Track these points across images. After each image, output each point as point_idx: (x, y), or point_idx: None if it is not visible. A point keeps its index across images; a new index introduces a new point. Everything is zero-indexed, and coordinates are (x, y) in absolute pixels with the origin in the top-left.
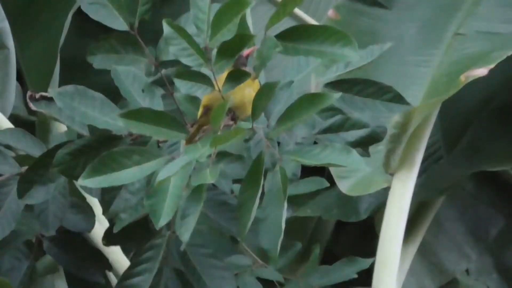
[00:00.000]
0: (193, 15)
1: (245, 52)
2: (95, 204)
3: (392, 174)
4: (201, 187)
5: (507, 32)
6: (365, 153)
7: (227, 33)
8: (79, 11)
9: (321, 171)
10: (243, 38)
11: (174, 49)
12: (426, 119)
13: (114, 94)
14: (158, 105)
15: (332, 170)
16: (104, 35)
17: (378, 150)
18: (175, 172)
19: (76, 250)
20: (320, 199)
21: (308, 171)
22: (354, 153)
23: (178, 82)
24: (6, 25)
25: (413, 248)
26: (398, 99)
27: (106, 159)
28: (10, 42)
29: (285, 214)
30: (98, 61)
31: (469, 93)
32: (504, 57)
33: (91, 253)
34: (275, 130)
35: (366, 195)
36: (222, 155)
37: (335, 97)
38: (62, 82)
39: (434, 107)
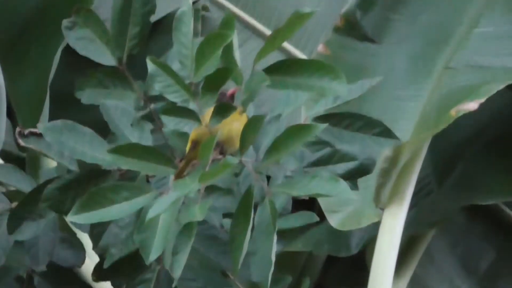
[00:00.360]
0: (177, 51)
1: (230, 91)
2: (85, 239)
3: (382, 209)
4: (192, 224)
5: (497, 65)
6: (354, 187)
7: (210, 67)
8: (69, 46)
9: (312, 205)
10: (225, 71)
11: (159, 86)
12: (416, 153)
13: (104, 129)
14: (147, 139)
15: (323, 204)
16: (91, 70)
17: (369, 184)
18: (164, 209)
19: (67, 285)
20: (311, 233)
21: (298, 206)
22: (342, 183)
23: (165, 119)
24: None
25: (404, 281)
26: (387, 133)
27: (94, 195)
28: (0, 78)
29: (275, 247)
30: (86, 96)
31: (459, 127)
32: (495, 91)
33: None
34: (263, 162)
35: (356, 229)
36: (211, 190)
37: (320, 128)
38: (52, 117)
39: (424, 141)
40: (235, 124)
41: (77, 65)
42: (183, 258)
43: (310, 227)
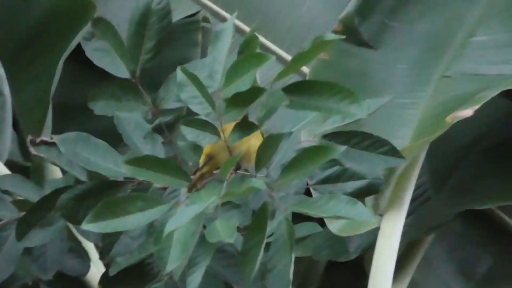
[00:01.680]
0: (209, 65)
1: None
2: (90, 248)
3: (381, 215)
4: (212, 245)
5: (493, 73)
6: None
7: (241, 85)
8: (72, 58)
9: None
10: (257, 90)
11: (185, 95)
12: (414, 160)
13: (107, 140)
14: (159, 152)
15: None
16: (105, 82)
17: None
18: (182, 223)
19: None
20: (311, 240)
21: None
22: (360, 205)
23: (185, 129)
24: (1, 72)
25: (403, 286)
26: (393, 152)
27: (110, 204)
28: (6, 89)
29: (292, 265)
30: (99, 108)
31: (457, 134)
32: (489, 97)
33: None
34: (279, 181)
35: (356, 236)
36: (228, 206)
37: (340, 150)
38: (55, 128)
39: (422, 148)
40: (252, 140)
41: (80, 77)
42: (200, 271)
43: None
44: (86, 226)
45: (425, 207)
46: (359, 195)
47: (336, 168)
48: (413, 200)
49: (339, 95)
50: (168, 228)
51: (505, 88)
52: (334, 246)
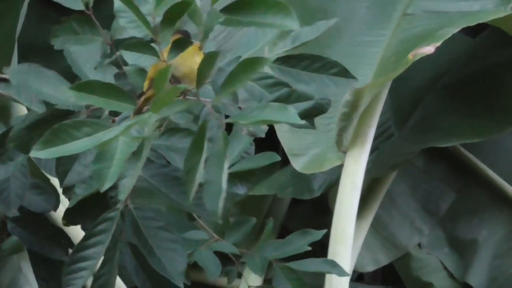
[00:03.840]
0: None
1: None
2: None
3: (344, 152)
4: (142, 146)
5: (453, 10)
6: (311, 125)
7: (170, 1)
8: None
9: (276, 151)
10: (182, 4)
11: (123, 21)
12: (377, 97)
13: (74, 79)
14: (109, 81)
15: (286, 148)
16: (65, 17)
17: (330, 128)
18: (119, 131)
19: (39, 230)
20: (275, 178)
21: (262, 150)
22: (290, 109)
23: (126, 54)
24: None
25: (367, 223)
26: (344, 73)
27: (57, 131)
28: None
29: (226, 175)
30: (59, 43)
31: (419, 71)
32: (450, 34)
33: (54, 233)
34: (218, 96)
35: (319, 173)
36: (173, 131)
37: (270, 60)
38: None
39: (383, 85)
40: (194, 60)
41: (45, 16)
42: (130, 182)
43: (274, 171)
44: (34, 153)
45: (388, 145)
46: (307, 115)
47: (284, 89)
48: (376, 137)
49: (274, 9)
50: (104, 137)
51: (465, 25)
52: (298, 184)
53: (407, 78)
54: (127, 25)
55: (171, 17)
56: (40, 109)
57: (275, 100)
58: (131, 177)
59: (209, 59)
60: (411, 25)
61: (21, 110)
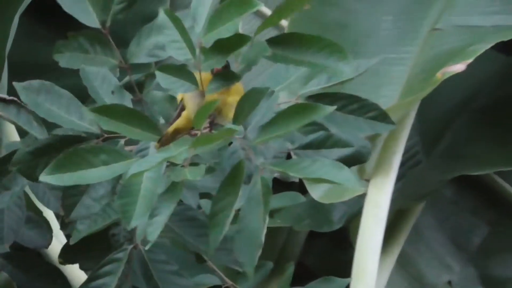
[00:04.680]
0: (193, 7)
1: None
2: (52, 219)
3: (367, 180)
4: (177, 185)
5: (486, 25)
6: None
7: (224, 32)
8: (29, 14)
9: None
10: (240, 37)
11: (164, 39)
12: (403, 120)
13: (81, 102)
14: (127, 105)
15: None
16: (72, 33)
17: None
18: (147, 168)
19: (32, 267)
20: (291, 208)
21: (279, 181)
22: (346, 170)
23: (159, 76)
24: None
25: (392, 259)
26: (383, 117)
27: (72, 155)
28: None
29: (265, 226)
30: (65, 60)
31: (449, 92)
32: (482, 51)
33: (48, 271)
34: (256, 139)
35: (339, 203)
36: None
37: (327, 110)
38: (11, 87)
39: (410, 106)
40: (230, 96)
41: (37, 33)
42: (162, 221)
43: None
44: (44, 177)
45: (415, 172)
46: (344, 163)
47: (320, 133)
48: (402, 164)
49: (327, 49)
50: (130, 172)
51: (499, 41)
52: (316, 215)
53: (436, 100)
54: (168, 45)
55: (225, 47)
56: (40, 134)
57: (310, 144)
58: (164, 216)
59: (253, 95)
60: (440, 41)
61: (11, 134)
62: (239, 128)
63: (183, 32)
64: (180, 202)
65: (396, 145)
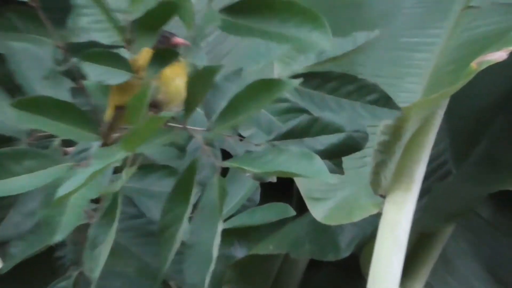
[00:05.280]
0: None
1: (178, 39)
2: None
3: (383, 196)
4: (114, 205)
5: None
6: (338, 168)
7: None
8: None
9: (289, 194)
10: (169, 4)
11: (85, 20)
12: (428, 121)
13: (13, 92)
14: (63, 97)
15: (303, 190)
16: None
17: (364, 163)
18: (79, 186)
19: None
20: (287, 230)
21: (271, 195)
22: (317, 160)
23: (87, 67)
24: None
25: None
26: (385, 101)
27: None
28: None
29: (218, 238)
30: None
31: (486, 86)
32: None
33: None
34: (216, 128)
35: (348, 225)
36: (148, 169)
37: (294, 84)
38: None
39: (437, 104)
40: (179, 80)
41: None
42: (104, 253)
43: (286, 221)
44: None
45: (443, 186)
46: (334, 153)
47: (303, 117)
48: (427, 176)
49: (298, 18)
50: (59, 193)
51: None
52: (319, 239)
53: (469, 96)
54: (89, 26)
55: (153, 20)
56: None
57: (291, 132)
58: (105, 246)
59: (204, 76)
60: (475, 23)
61: None
62: (191, 125)
63: (107, 11)
64: (141, 215)
65: (419, 152)
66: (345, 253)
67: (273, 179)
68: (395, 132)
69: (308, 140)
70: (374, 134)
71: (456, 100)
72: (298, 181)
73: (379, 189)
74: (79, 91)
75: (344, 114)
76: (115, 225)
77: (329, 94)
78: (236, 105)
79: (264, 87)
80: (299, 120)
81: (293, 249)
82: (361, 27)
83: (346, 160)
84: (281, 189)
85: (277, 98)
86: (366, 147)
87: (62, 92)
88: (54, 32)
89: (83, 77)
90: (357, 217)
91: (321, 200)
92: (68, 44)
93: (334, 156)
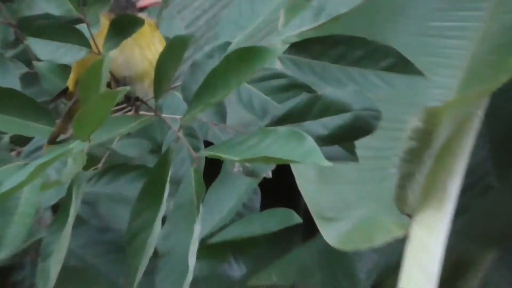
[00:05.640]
0: None
1: (142, 2)
2: None
3: (410, 216)
4: (67, 205)
5: None
6: (350, 155)
7: None
8: None
9: (294, 205)
10: None
11: None
12: (464, 125)
13: None
14: (13, 85)
15: (313, 208)
16: None
17: (386, 175)
18: (23, 180)
19: None
20: (293, 257)
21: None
22: (309, 140)
23: (36, 43)
24: None
25: None
26: (403, 66)
27: None
28: None
29: (196, 242)
30: None
31: None
32: None
33: None
34: (192, 111)
35: (367, 251)
36: (117, 171)
37: (281, 49)
38: None
39: (475, 104)
40: (151, 52)
41: None
42: (57, 263)
43: (292, 246)
44: None
45: (484, 203)
46: (341, 138)
47: (302, 96)
48: (464, 191)
49: None
50: (4, 187)
51: None
52: (332, 268)
53: None
54: None
55: None
56: None
57: (288, 115)
58: (58, 254)
59: (175, 47)
60: None
61: None
62: (160, 106)
63: None
64: (109, 228)
65: (454, 162)
66: (364, 286)
67: (268, 175)
68: (425, 138)
69: (309, 124)
70: (399, 139)
71: (499, 99)
72: (307, 197)
73: (405, 207)
74: (32, 76)
75: (353, 86)
76: (68, 228)
77: (332, 62)
78: (214, 81)
79: (245, 57)
80: (298, 99)
81: (300, 279)
82: (379, 9)
83: (364, 173)
84: (287, 206)
85: (272, 74)
86: (391, 155)
87: (9, 76)
88: (3, 7)
89: (37, 59)
90: (379, 241)
91: (335, 220)
92: (19, 20)
93: (342, 141)
